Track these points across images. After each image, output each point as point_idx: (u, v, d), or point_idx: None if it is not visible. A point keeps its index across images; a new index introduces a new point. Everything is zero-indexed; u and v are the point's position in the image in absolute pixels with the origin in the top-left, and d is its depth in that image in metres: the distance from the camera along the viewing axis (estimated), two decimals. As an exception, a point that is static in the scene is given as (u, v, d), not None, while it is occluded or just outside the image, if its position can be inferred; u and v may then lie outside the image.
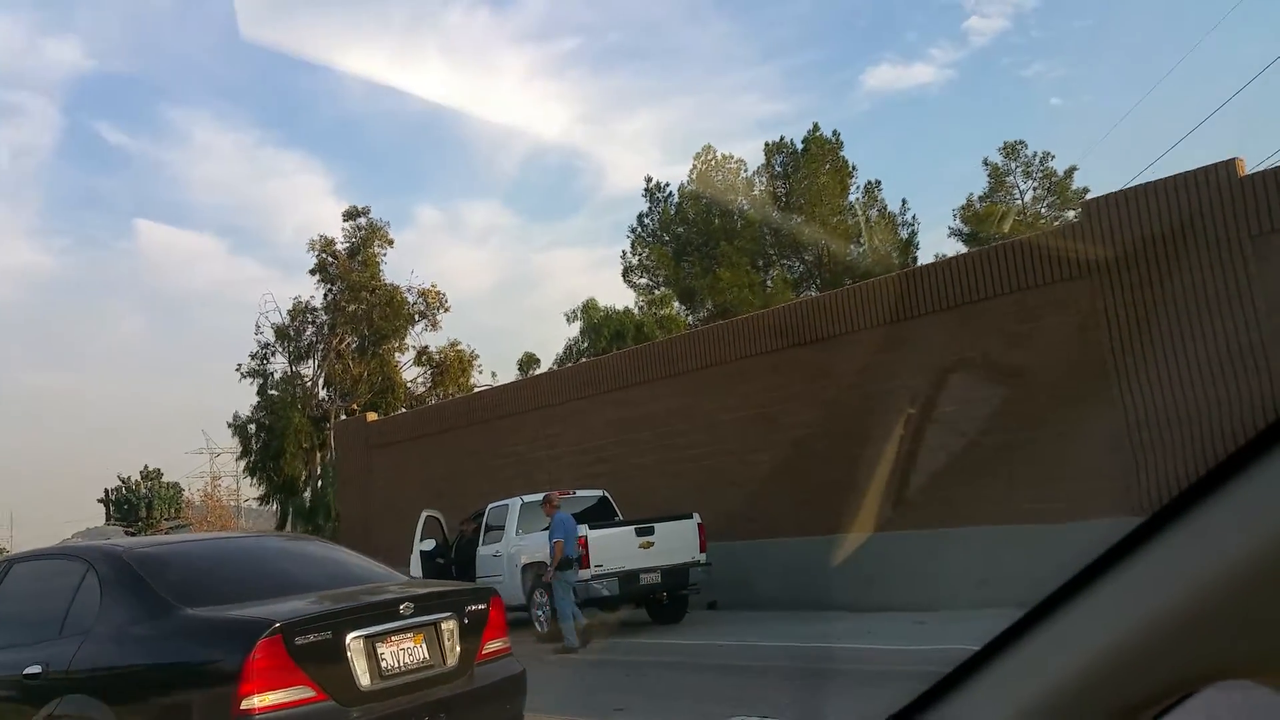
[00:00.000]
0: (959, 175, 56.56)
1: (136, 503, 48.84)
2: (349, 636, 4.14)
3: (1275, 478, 0.74)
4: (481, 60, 51.24)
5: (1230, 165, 9.14)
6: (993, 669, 1.00)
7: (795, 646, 9.17)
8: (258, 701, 3.79)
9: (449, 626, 4.56)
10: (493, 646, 4.73)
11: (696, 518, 11.39)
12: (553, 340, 64.36)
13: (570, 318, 30.06)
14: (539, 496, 12.55)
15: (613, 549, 10.74)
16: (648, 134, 49.79)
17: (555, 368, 28.65)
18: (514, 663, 4.93)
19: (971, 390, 10.53)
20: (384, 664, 4.26)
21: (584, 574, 10.57)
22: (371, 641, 4.22)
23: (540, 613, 11.45)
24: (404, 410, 26.37)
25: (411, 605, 4.41)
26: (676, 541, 11.12)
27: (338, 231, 32.01)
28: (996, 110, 47.64)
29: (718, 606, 12.31)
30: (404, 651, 4.36)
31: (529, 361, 33.86)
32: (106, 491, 50.06)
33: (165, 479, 50.24)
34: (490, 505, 12.75)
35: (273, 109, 60.76)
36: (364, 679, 4.15)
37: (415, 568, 12.95)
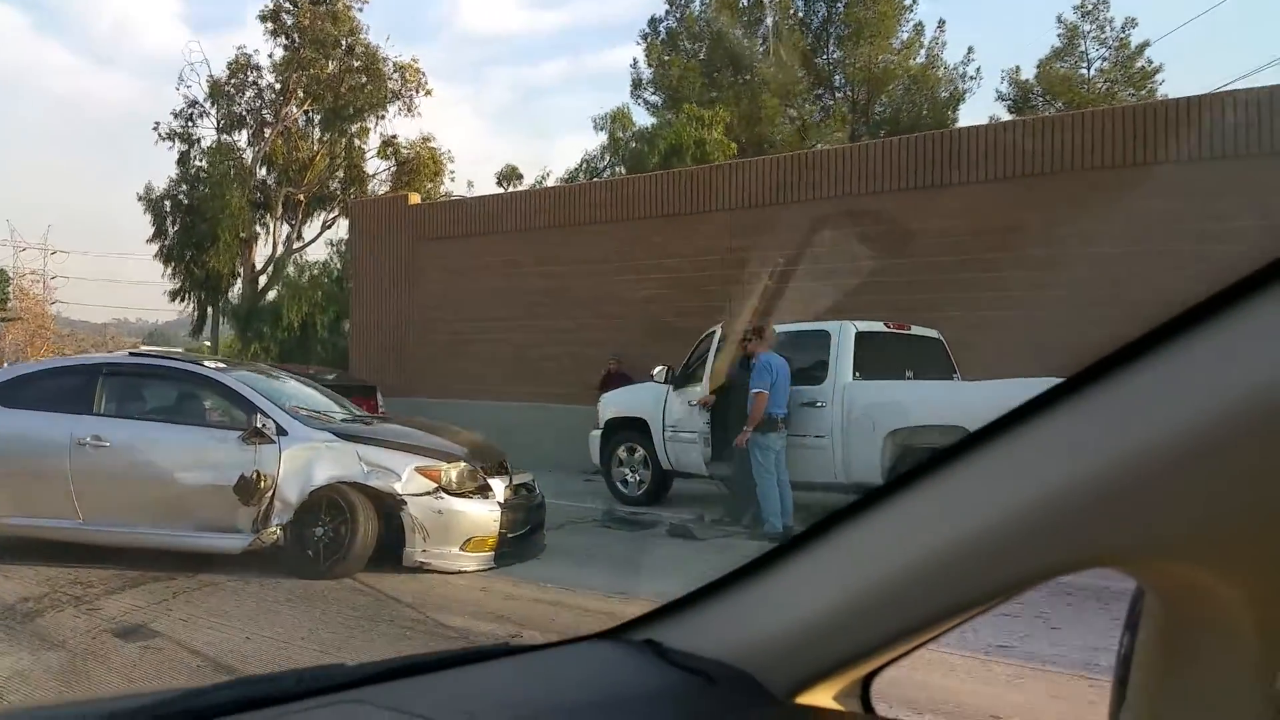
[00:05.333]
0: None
1: (-43, 286, 40.82)
2: None
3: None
4: None
5: None
6: (800, 562, 0.94)
7: None
8: None
9: None
10: None
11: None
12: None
13: (598, 125, 24.79)
14: (875, 325, 8.44)
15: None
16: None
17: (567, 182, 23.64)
18: None
19: None
20: None
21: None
22: None
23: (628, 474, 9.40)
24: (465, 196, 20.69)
25: None
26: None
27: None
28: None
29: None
30: None
31: (511, 174, 28.46)
32: (-80, 270, 41.58)
33: (-9, 263, 42.24)
34: (782, 327, 8.45)
35: None
36: None
37: (693, 417, 8.73)
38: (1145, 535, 0.71)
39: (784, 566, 0.95)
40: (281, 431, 5.79)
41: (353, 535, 5.64)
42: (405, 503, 5.75)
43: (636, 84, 29.80)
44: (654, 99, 29.34)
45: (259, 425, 5.74)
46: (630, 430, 9.56)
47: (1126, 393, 0.70)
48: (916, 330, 8.76)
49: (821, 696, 0.94)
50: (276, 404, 5.97)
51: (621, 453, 9.69)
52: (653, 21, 30.37)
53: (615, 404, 9.87)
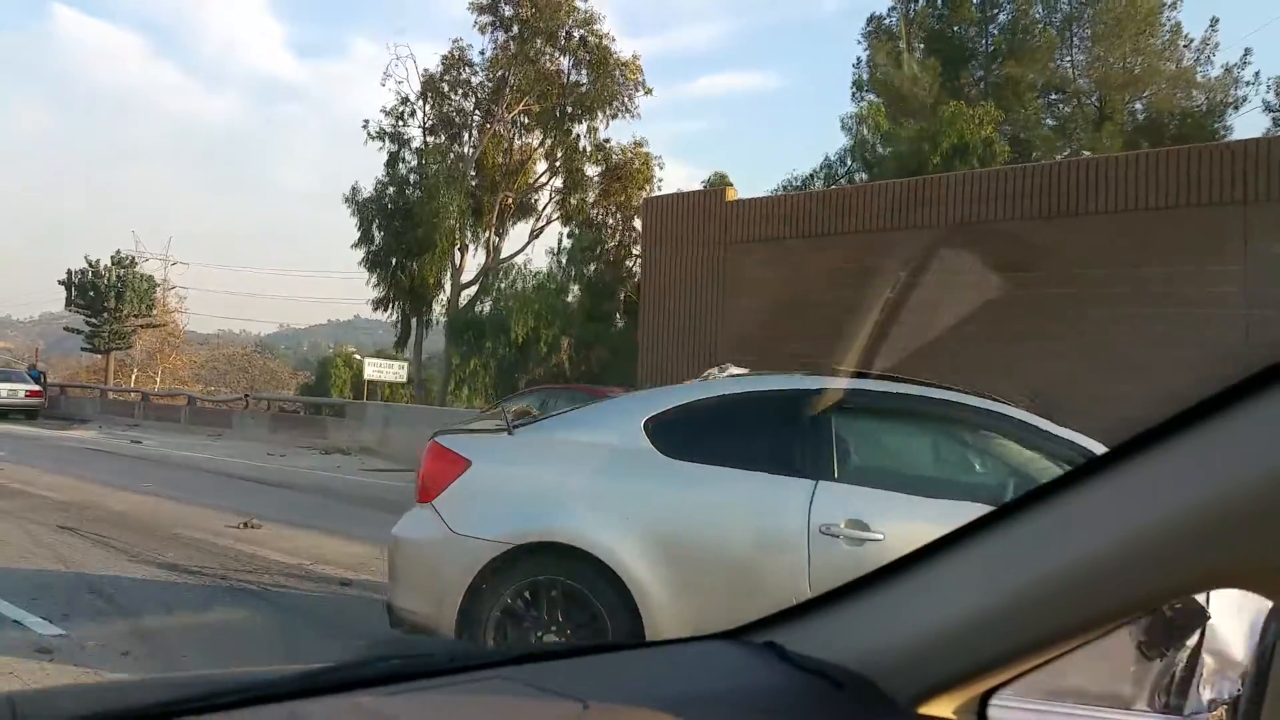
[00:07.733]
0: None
1: (104, 290, 40.69)
2: None
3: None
4: None
5: None
6: (923, 577, 0.93)
7: None
8: None
9: None
10: None
11: None
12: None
13: (844, 124, 22.28)
14: None
15: None
16: None
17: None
18: None
19: None
20: None
21: None
22: None
23: None
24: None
25: None
26: None
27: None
28: None
29: None
30: None
31: (720, 182, 26.04)
32: (69, 273, 41.71)
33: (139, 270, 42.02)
34: None
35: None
36: None
37: None
38: None
39: (908, 577, 0.94)
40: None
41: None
42: None
43: (859, 85, 27.25)
44: (877, 100, 26.79)
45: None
46: None
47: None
48: None
49: (942, 708, 0.91)
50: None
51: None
52: (872, 19, 27.92)
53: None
